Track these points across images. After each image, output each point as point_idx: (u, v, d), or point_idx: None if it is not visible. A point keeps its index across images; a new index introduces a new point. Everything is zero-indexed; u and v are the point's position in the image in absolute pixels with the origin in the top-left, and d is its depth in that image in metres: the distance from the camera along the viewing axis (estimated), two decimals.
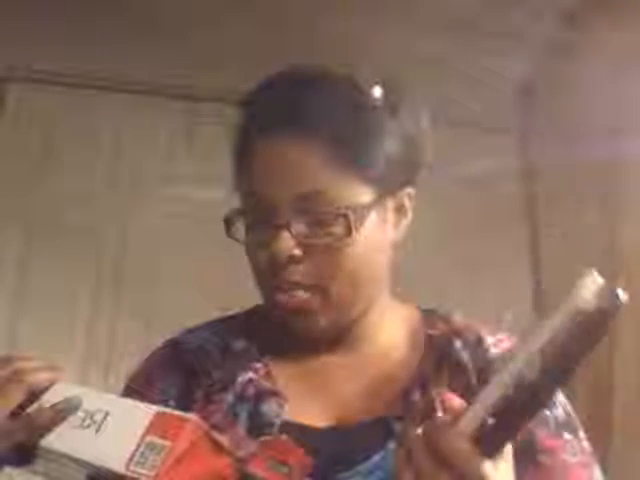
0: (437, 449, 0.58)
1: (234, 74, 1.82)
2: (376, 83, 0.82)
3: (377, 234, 0.81)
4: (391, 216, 0.83)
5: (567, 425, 0.81)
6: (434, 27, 2.23)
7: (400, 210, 0.84)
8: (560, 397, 0.82)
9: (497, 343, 0.85)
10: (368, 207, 0.79)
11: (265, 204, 0.79)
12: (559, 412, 0.81)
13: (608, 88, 2.11)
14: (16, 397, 0.70)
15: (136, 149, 2.48)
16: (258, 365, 0.84)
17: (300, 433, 0.77)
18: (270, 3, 2.27)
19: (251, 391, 0.82)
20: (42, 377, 0.72)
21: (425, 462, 0.59)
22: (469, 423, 0.58)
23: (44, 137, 2.44)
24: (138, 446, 0.64)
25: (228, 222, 0.82)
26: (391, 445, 0.77)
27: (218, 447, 0.66)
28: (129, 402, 0.72)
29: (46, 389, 0.72)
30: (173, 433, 0.64)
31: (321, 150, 0.77)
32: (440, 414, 0.61)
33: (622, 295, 0.54)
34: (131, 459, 0.64)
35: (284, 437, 0.76)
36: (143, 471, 0.62)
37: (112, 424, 0.68)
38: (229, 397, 0.81)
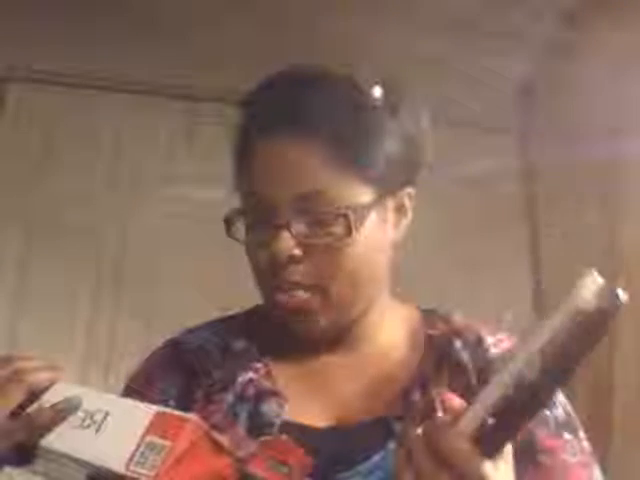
0: (437, 449, 0.58)
1: (234, 74, 1.82)
2: (376, 83, 0.82)
3: (377, 234, 0.81)
4: (391, 216, 0.83)
5: (567, 425, 0.81)
6: (434, 27, 2.23)
7: (400, 210, 0.84)
8: (560, 397, 0.82)
9: (497, 343, 0.85)
10: (368, 207, 0.79)
11: (265, 204, 0.79)
12: (559, 412, 0.81)
13: (608, 88, 2.11)
14: (16, 397, 0.70)
15: (136, 149, 2.48)
16: (258, 365, 0.84)
17: (300, 433, 0.77)
18: (270, 3, 2.27)
19: (251, 391, 0.82)
20: (42, 377, 0.72)
21: (425, 462, 0.59)
22: (469, 423, 0.58)
23: (44, 137, 2.44)
24: (138, 446, 0.64)
25: (228, 222, 0.82)
26: (391, 445, 0.77)
27: (218, 447, 0.66)
28: (129, 402, 0.72)
29: (46, 389, 0.72)
30: (173, 433, 0.64)
31: (321, 150, 0.77)
32: (440, 414, 0.61)
33: (622, 295, 0.54)
34: (131, 459, 0.64)
35: (284, 437, 0.76)
36: (143, 471, 0.62)
37: (112, 424, 0.68)
38: (229, 397, 0.81)
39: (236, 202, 0.83)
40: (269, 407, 0.80)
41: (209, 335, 0.88)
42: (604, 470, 0.81)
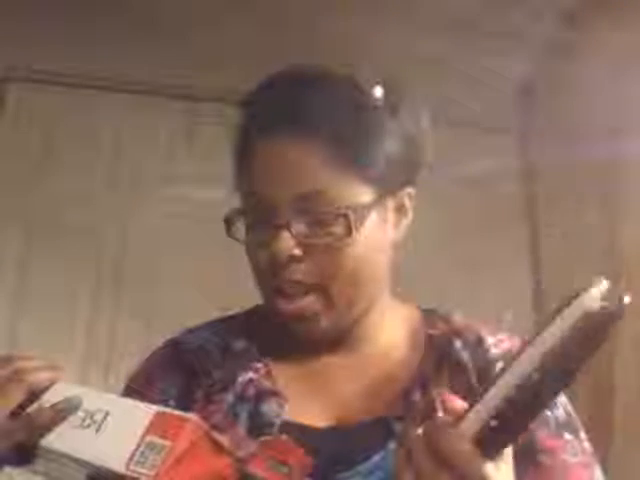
0: (437, 449, 0.58)
1: (234, 74, 1.82)
2: (376, 83, 0.82)
3: (377, 234, 0.81)
4: (391, 216, 0.83)
5: (568, 425, 0.81)
6: (434, 27, 2.23)
7: (400, 210, 0.84)
8: (561, 397, 0.82)
9: (497, 343, 0.85)
10: (368, 207, 0.79)
11: (265, 204, 0.79)
12: (560, 412, 0.81)
13: (608, 88, 2.11)
14: (16, 397, 0.70)
15: (136, 149, 2.48)
16: (258, 365, 0.84)
17: (300, 433, 0.77)
18: (270, 3, 2.27)
19: (251, 391, 0.82)
20: (42, 377, 0.72)
21: (425, 462, 0.58)
22: (471, 425, 0.58)
23: (44, 137, 2.44)
24: (138, 446, 0.64)
25: (228, 222, 0.82)
26: (391, 445, 0.77)
27: (218, 447, 0.66)
28: (129, 402, 0.72)
29: (46, 389, 0.72)
30: (173, 433, 0.64)
31: (321, 150, 0.77)
32: (440, 414, 0.61)
33: (626, 298, 0.54)
34: (131, 459, 0.64)
35: (284, 437, 0.76)
36: (143, 471, 0.62)
37: (112, 424, 0.68)
38: (229, 397, 0.81)
39: (236, 202, 0.83)
40: (269, 407, 0.80)
41: (209, 335, 0.88)
42: (605, 470, 0.81)
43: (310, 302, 0.79)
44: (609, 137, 2.08)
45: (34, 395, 0.71)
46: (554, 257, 2.40)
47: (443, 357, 0.84)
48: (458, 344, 0.84)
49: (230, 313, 0.93)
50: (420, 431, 0.60)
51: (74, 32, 2.34)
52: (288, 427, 0.79)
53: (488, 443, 0.58)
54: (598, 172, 2.15)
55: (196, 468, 0.64)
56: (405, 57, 2.00)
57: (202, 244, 2.13)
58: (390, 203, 0.82)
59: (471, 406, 0.59)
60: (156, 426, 0.65)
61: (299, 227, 0.78)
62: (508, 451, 0.60)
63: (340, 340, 0.85)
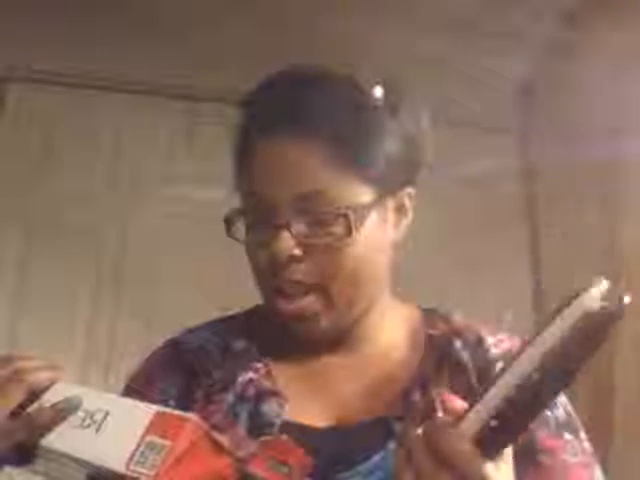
0: (437, 450, 0.58)
1: (234, 74, 1.82)
2: (376, 83, 0.82)
3: (377, 234, 0.81)
4: (391, 216, 0.83)
5: (568, 425, 0.81)
6: (434, 27, 2.23)
7: (400, 210, 0.84)
8: (561, 397, 0.82)
9: (497, 343, 0.85)
10: (368, 207, 0.79)
11: (265, 204, 0.79)
12: (560, 412, 0.81)
13: (608, 88, 2.11)
14: (16, 397, 0.70)
15: (136, 149, 2.48)
16: (258, 365, 0.84)
17: (300, 433, 0.77)
18: (270, 3, 2.27)
19: (251, 391, 0.82)
20: (42, 377, 0.72)
21: (425, 463, 0.58)
22: (471, 425, 0.58)
23: (44, 137, 2.44)
24: (138, 446, 0.64)
25: (228, 222, 0.82)
26: (391, 445, 0.77)
27: (218, 447, 0.66)
28: (129, 402, 0.72)
29: (46, 389, 0.72)
30: (173, 433, 0.64)
31: (321, 150, 0.77)
32: (440, 414, 0.61)
33: (626, 298, 0.54)
34: (131, 459, 0.64)
35: (284, 437, 0.76)
36: (143, 471, 0.62)
37: (112, 424, 0.68)
38: (229, 397, 0.81)
39: (236, 202, 0.83)
40: (269, 407, 0.80)
41: (209, 335, 0.88)
42: (605, 471, 0.81)
43: (310, 302, 0.79)
44: (609, 137, 2.08)
45: (34, 395, 0.71)
46: (554, 257, 2.40)
47: (443, 357, 0.84)
48: (458, 344, 0.84)
49: (230, 313, 0.93)
50: (420, 431, 0.60)
51: (74, 32, 2.34)
52: (288, 427, 0.79)
53: (488, 443, 0.58)
54: (598, 172, 2.15)
55: (196, 468, 0.64)
56: (405, 57, 2.00)
57: (202, 244, 2.13)
58: (390, 203, 0.82)
59: (471, 406, 0.59)
60: (156, 426, 0.65)
61: (299, 227, 0.78)
62: (508, 451, 0.60)
63: (340, 340, 0.85)
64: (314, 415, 0.81)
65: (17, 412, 0.70)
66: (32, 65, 2.43)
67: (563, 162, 2.26)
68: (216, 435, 0.66)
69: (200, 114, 2.49)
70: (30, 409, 0.70)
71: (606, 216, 2.15)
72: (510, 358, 0.57)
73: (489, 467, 0.58)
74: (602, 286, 0.55)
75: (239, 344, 0.86)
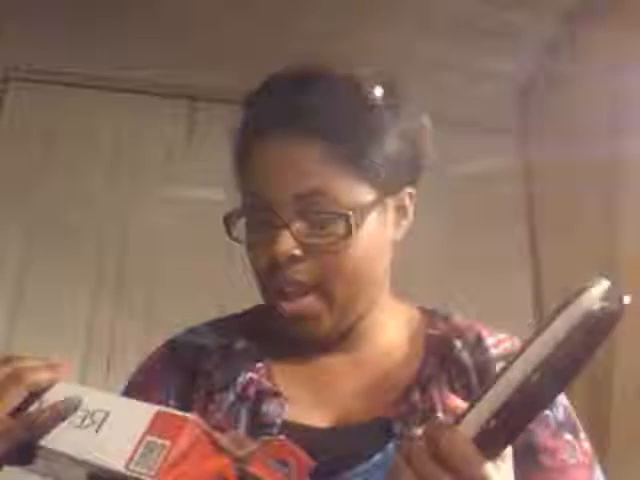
0: (438, 450, 0.58)
1: (234, 74, 1.81)
2: (376, 83, 0.82)
3: (378, 234, 0.81)
4: (392, 216, 0.83)
5: (568, 426, 0.81)
6: (434, 27, 2.23)
7: (401, 210, 0.84)
8: (561, 398, 0.82)
9: (497, 343, 0.85)
10: (369, 207, 0.79)
11: (265, 204, 0.79)
12: (560, 413, 0.81)
13: (608, 88, 2.11)
14: (16, 397, 0.70)
15: (136, 149, 2.48)
16: (259, 365, 0.84)
17: (300, 433, 0.77)
18: (270, 3, 2.26)
19: (251, 391, 0.82)
20: (42, 377, 0.72)
21: (426, 463, 0.58)
22: (471, 425, 0.58)
23: (44, 137, 2.44)
24: (138, 446, 0.64)
25: (228, 222, 0.82)
26: (391, 445, 0.77)
27: (218, 447, 0.66)
28: (129, 402, 0.72)
29: (46, 389, 0.72)
30: (173, 433, 0.64)
31: (321, 150, 0.77)
32: (440, 414, 0.61)
33: (626, 298, 0.54)
34: (131, 459, 0.63)
35: (284, 437, 0.76)
36: (143, 470, 0.62)
37: (112, 424, 0.68)
38: (229, 397, 0.81)
39: (236, 202, 0.83)
40: (269, 407, 0.80)
41: (209, 335, 0.88)
42: (604, 471, 0.81)
43: (310, 302, 0.79)
44: (609, 137, 2.08)
45: (34, 395, 0.71)
46: (554, 257, 2.40)
47: (443, 357, 0.84)
48: (458, 344, 0.84)
49: (230, 313, 0.93)
50: (420, 432, 0.60)
51: (74, 32, 2.33)
52: (288, 427, 0.79)
53: (488, 443, 0.58)
54: (598, 172, 2.15)
55: (196, 468, 0.64)
56: (405, 57, 2.00)
57: (202, 244, 2.13)
58: (390, 203, 0.82)
59: (471, 406, 0.59)
60: (156, 426, 0.65)
61: (299, 227, 0.78)
62: (508, 451, 0.60)
63: (340, 340, 0.85)
64: (314, 415, 0.81)
65: (17, 412, 0.70)
66: (32, 65, 2.43)
67: (563, 162, 2.26)
68: (216, 435, 0.66)
69: (200, 114, 2.49)
70: (30, 409, 0.70)
71: (606, 216, 2.15)
72: (510, 358, 0.57)
73: (489, 467, 0.58)
74: (602, 286, 0.55)
75: (239, 344, 0.86)
